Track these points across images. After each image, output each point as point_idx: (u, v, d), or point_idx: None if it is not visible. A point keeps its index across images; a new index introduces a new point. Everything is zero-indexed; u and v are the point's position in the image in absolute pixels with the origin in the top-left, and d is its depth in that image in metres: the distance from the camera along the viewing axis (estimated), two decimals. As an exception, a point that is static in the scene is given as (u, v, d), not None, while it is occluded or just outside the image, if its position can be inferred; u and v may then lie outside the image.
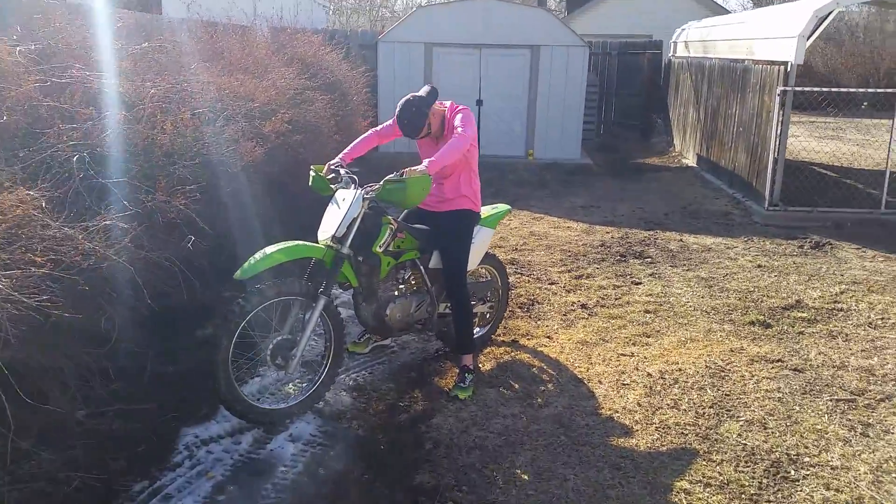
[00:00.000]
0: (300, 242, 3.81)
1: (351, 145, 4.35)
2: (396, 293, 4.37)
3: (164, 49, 5.75)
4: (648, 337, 5.18)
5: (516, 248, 7.53)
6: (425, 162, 3.87)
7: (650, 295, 6.10)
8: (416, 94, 4.13)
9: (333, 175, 4.16)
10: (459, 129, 4.03)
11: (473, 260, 4.58)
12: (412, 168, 3.83)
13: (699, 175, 11.90)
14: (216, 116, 4.39)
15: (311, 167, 4.22)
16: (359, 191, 3.91)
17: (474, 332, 4.87)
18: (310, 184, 4.23)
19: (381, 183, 3.87)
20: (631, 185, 11.27)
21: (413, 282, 4.47)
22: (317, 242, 3.92)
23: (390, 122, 4.40)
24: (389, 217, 4.13)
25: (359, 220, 3.90)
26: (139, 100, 4.09)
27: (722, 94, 11.38)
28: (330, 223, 3.91)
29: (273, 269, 3.70)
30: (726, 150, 10.96)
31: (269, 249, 3.72)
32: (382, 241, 4.05)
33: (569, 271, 6.79)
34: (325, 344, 4.08)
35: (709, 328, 5.37)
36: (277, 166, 4.81)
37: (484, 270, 4.99)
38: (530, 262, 7.06)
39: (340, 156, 4.23)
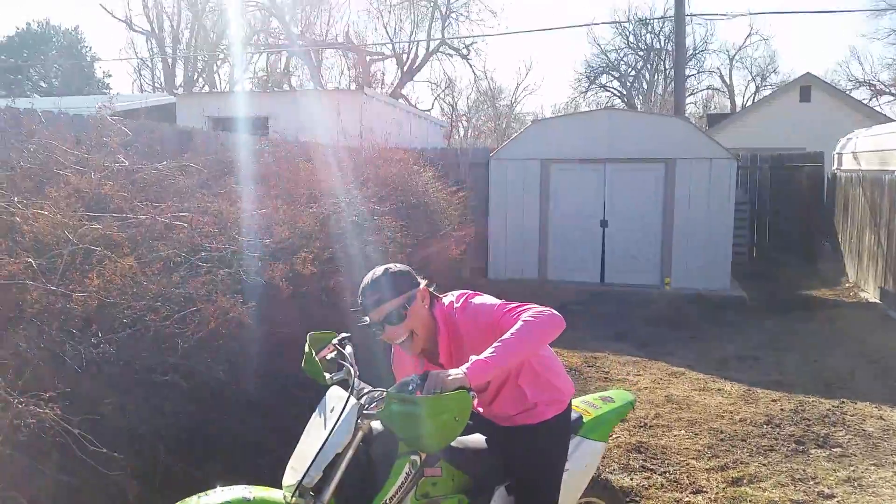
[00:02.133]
0: (244, 494, 2.20)
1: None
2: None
3: (188, 170, 4.58)
4: None
5: (645, 424, 5.56)
6: (470, 361, 2.18)
7: (855, 525, 3.96)
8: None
9: (335, 354, 2.57)
10: (528, 315, 2.32)
11: (569, 498, 2.78)
12: (442, 373, 2.13)
13: (885, 315, 9.37)
14: (184, 261, 3.00)
15: (308, 336, 2.60)
16: (353, 402, 2.26)
17: None
18: (301, 365, 2.63)
19: (385, 395, 2.20)
20: (798, 325, 8.96)
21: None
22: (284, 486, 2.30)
23: None
24: None
25: (348, 453, 2.25)
26: (65, 240, 2.78)
27: (913, 215, 9.05)
28: (302, 457, 2.29)
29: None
30: (926, 285, 8.52)
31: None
32: (392, 491, 2.35)
33: (722, 469, 4.74)
34: None
35: None
36: (287, 330, 3.33)
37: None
38: (665, 449, 5.07)
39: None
